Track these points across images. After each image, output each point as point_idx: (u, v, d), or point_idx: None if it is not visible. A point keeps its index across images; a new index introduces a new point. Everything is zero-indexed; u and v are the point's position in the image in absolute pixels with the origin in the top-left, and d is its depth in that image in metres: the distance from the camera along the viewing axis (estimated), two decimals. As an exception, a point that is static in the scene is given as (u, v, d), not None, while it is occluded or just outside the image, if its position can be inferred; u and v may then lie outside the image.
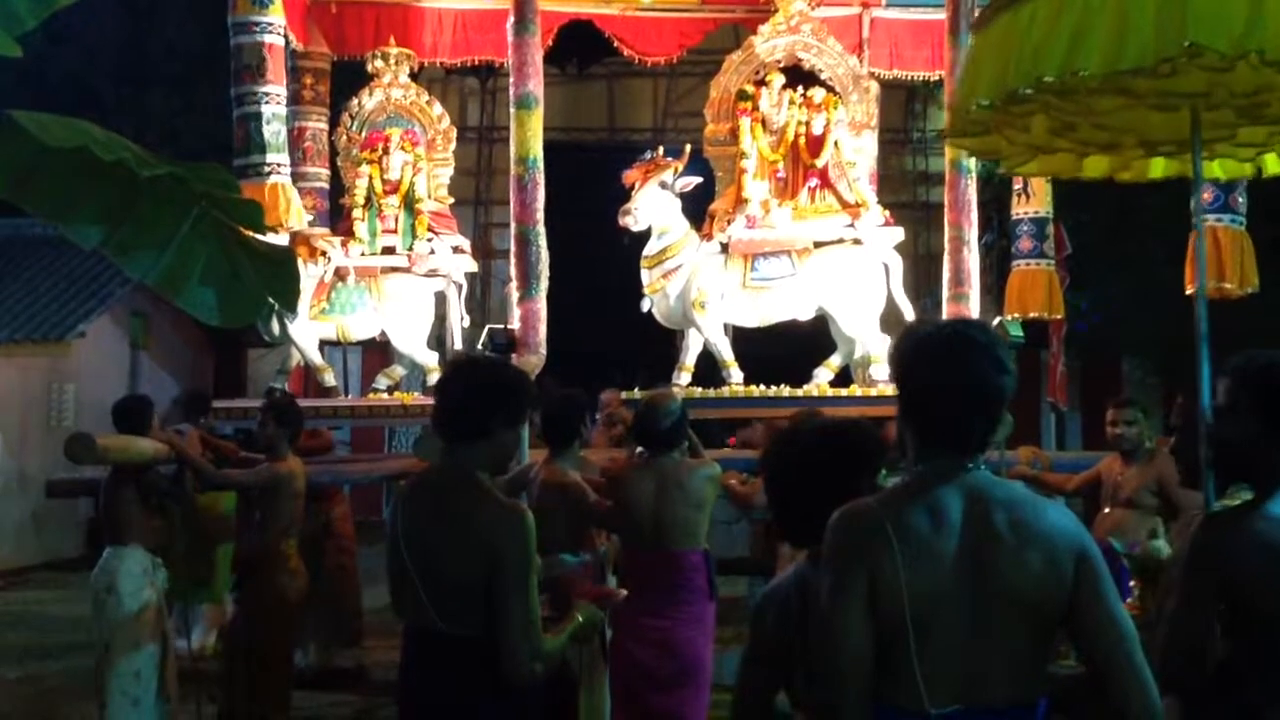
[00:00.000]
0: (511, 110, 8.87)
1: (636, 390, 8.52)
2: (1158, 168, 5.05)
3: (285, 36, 9.16)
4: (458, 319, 9.49)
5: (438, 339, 9.71)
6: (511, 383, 3.36)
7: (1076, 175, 5.11)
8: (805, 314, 8.89)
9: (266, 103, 8.61)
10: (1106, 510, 6.27)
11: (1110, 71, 3.66)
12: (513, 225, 8.77)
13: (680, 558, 5.36)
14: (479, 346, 7.53)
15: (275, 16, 8.72)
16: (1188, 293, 8.87)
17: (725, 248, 8.88)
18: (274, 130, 8.60)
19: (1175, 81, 4.35)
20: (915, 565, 2.20)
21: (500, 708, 3.13)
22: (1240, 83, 4.28)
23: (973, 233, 9.04)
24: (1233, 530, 2.75)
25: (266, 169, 8.48)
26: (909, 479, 2.36)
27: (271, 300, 3.83)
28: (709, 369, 8.91)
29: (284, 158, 8.72)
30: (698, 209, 9.10)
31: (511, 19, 8.85)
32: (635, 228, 8.62)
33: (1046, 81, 3.77)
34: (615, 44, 11.05)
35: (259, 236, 3.83)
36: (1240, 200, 8.88)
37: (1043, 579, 2.21)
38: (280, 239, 7.93)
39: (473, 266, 9.82)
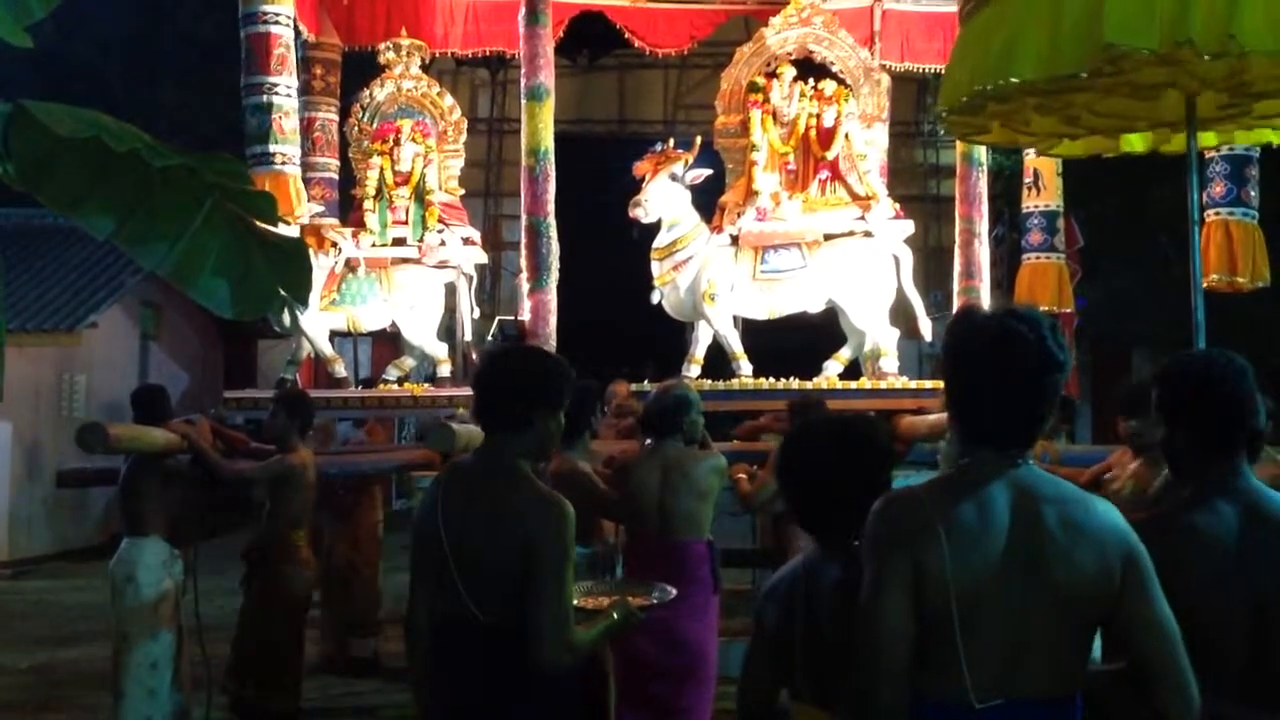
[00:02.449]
0: (522, 102, 8.89)
1: (645, 382, 8.52)
2: (1145, 141, 5.11)
3: (296, 27, 9.17)
4: (468, 310, 9.50)
5: (447, 330, 9.72)
6: (551, 370, 3.34)
7: (1089, 154, 5.16)
8: (815, 306, 8.88)
9: (276, 94, 8.62)
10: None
11: (1045, 77, 3.72)
12: (523, 217, 8.79)
13: (684, 548, 5.36)
14: (489, 338, 7.54)
15: (285, 7, 8.74)
16: (1204, 285, 8.87)
17: (735, 240, 8.88)
18: (283, 121, 8.61)
19: (1172, 72, 4.38)
20: (963, 558, 2.20)
21: (531, 697, 3.12)
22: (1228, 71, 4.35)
23: (984, 226, 9.04)
24: (1148, 531, 2.75)
25: (275, 159, 8.49)
26: (954, 471, 2.35)
27: (284, 292, 3.83)
28: (718, 361, 8.91)
29: (293, 149, 8.74)
30: (708, 201, 9.10)
31: (523, 10, 8.86)
32: (645, 219, 8.62)
33: (998, 86, 3.84)
34: (626, 36, 11.07)
35: (271, 228, 3.82)
36: (1253, 194, 8.88)
37: (1092, 577, 2.21)
38: (289, 230, 7.95)
39: (483, 258, 9.84)
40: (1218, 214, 8.89)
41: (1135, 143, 5.39)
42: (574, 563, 3.18)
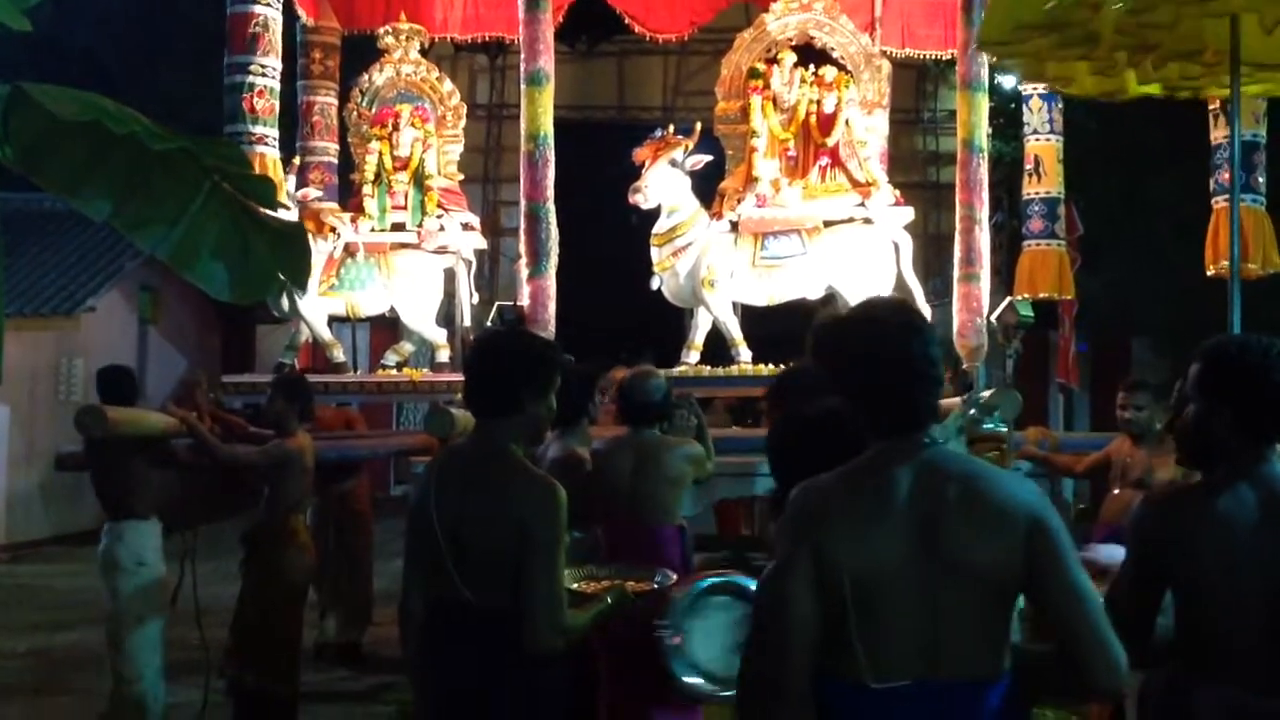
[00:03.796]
0: (522, 87, 8.85)
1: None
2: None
3: (290, 10, 9.14)
4: (467, 296, 9.49)
5: (446, 316, 9.71)
6: (540, 354, 3.34)
7: (1117, 92, 5.14)
8: (815, 293, 8.88)
9: (249, 73, 8.60)
10: (1116, 491, 6.25)
11: None
12: (522, 202, 8.77)
13: (654, 532, 5.38)
14: (489, 324, 7.53)
15: (270, -13, 8.73)
16: (1209, 274, 8.86)
17: (735, 226, 8.87)
18: (256, 101, 8.59)
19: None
20: (860, 544, 2.20)
21: (522, 680, 3.13)
22: None
23: (984, 212, 9.02)
24: (1168, 510, 2.77)
25: (245, 139, 8.47)
26: (862, 458, 2.35)
27: (282, 276, 3.82)
28: (718, 347, 8.91)
29: (268, 130, 8.71)
30: (707, 187, 9.08)
31: (522, -4, 8.82)
32: (645, 205, 8.61)
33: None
34: (626, 21, 11.03)
35: (270, 211, 3.81)
36: (1261, 180, 8.87)
37: (994, 551, 2.19)
38: (288, 214, 7.93)
39: (482, 243, 9.83)
40: (1226, 200, 8.87)
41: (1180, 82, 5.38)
42: (566, 546, 3.19)
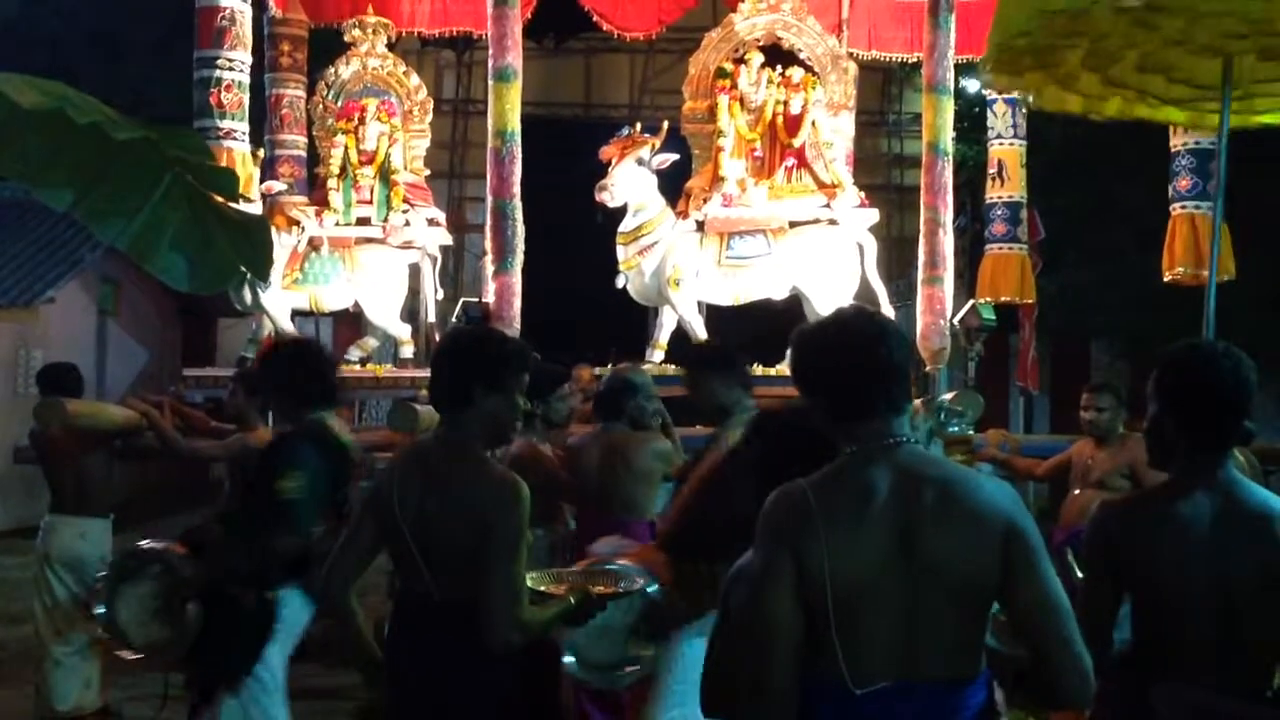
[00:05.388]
0: (490, 83, 8.83)
1: (609, 366, 8.51)
2: (1178, 115, 5.13)
3: (259, 2, 9.08)
4: (431, 291, 9.46)
5: (410, 311, 9.68)
6: (492, 349, 3.33)
7: (1100, 114, 5.17)
8: (780, 293, 8.91)
9: (216, 67, 8.57)
10: (1076, 492, 6.30)
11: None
12: (489, 199, 8.75)
13: (624, 527, 5.39)
14: (454, 320, 7.52)
15: (243, -18, 8.69)
16: (1166, 279, 8.95)
17: (701, 225, 8.89)
18: (224, 95, 8.54)
19: (1215, 23, 4.38)
20: (840, 547, 2.21)
21: (481, 673, 3.14)
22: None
23: (948, 216, 9.07)
24: (1125, 513, 2.82)
25: (219, 134, 8.43)
26: (838, 461, 2.37)
27: (244, 268, 3.81)
28: (682, 346, 8.91)
29: (236, 124, 8.67)
30: (674, 186, 9.09)
31: (492, -10, 8.80)
32: (611, 204, 8.61)
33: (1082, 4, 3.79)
34: (595, 19, 11.01)
35: (232, 204, 3.80)
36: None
37: (970, 556, 2.21)
38: (252, 207, 7.89)
39: (448, 239, 9.80)
40: (1184, 208, 8.98)
41: (1174, 115, 5.41)
42: (528, 542, 3.18)
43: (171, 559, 4.01)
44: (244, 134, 8.72)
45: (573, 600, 3.36)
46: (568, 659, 3.47)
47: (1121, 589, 2.75)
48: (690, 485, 3.63)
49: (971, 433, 6.35)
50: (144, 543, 4.06)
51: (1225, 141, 5.06)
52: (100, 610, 3.99)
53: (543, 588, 3.37)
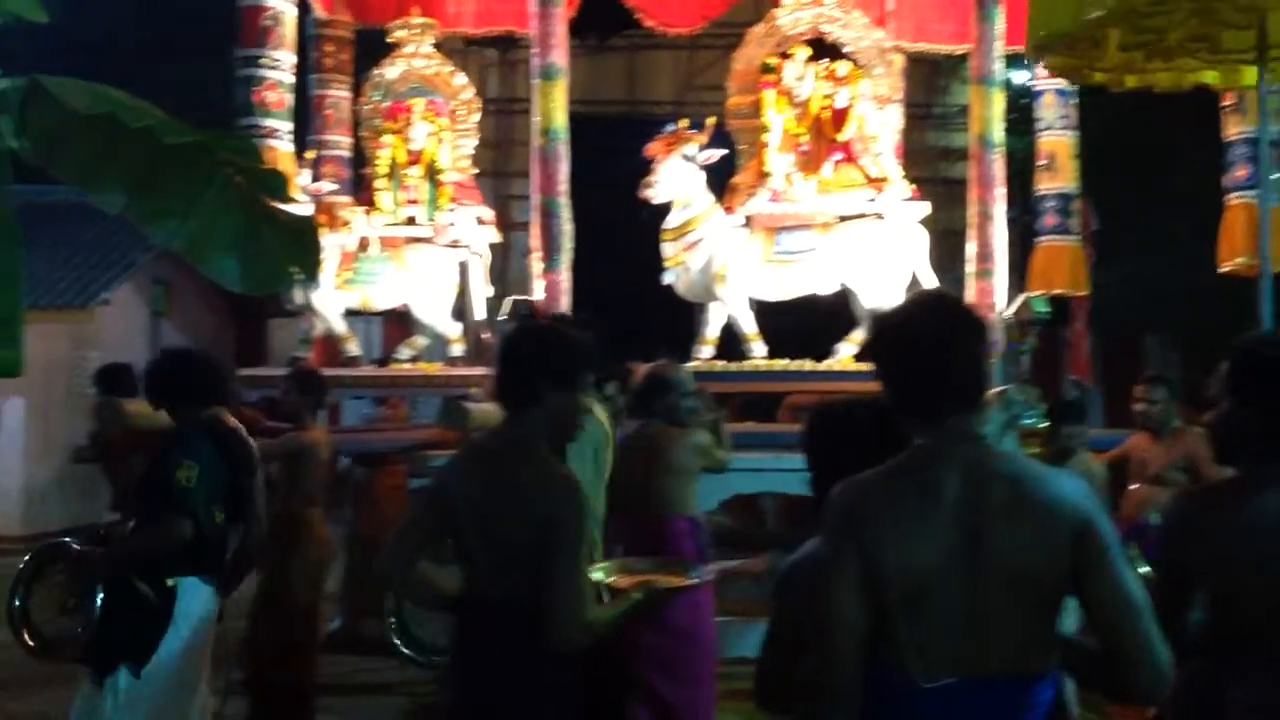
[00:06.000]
0: (535, 81, 8.84)
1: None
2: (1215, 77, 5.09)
3: (303, 4, 9.15)
4: (480, 290, 9.49)
5: (458, 310, 9.72)
6: (560, 346, 3.31)
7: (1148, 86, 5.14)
8: (828, 288, 8.86)
9: (259, 66, 8.63)
10: (1134, 487, 6.26)
11: None
12: (536, 197, 8.76)
13: (664, 524, 5.38)
14: (501, 318, 7.54)
15: (286, -17, 8.76)
16: (1220, 270, 8.83)
17: (748, 221, 8.86)
18: (266, 94, 8.61)
19: None
20: (907, 542, 2.20)
21: (543, 674, 3.13)
22: None
23: (999, 208, 8.99)
24: (1199, 507, 2.79)
25: (261, 133, 8.49)
26: (906, 455, 2.34)
27: (294, 268, 3.84)
28: (731, 343, 8.89)
29: (280, 123, 8.74)
30: (720, 182, 9.07)
31: (536, -11, 8.81)
32: (657, 200, 8.60)
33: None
34: (637, 16, 11.00)
35: (281, 204, 3.83)
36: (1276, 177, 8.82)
37: (1040, 552, 2.19)
38: (300, 208, 7.95)
39: (495, 237, 9.84)
40: (1240, 197, 8.83)
41: (1208, 75, 5.36)
42: (592, 543, 3.18)
43: (73, 552, 4.32)
44: (286, 133, 8.78)
45: (639, 596, 3.34)
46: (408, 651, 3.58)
47: (1194, 583, 2.72)
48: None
49: (1044, 424, 6.30)
50: (64, 540, 4.40)
51: (1266, 121, 4.98)
52: (16, 604, 4.27)
53: (610, 580, 3.36)
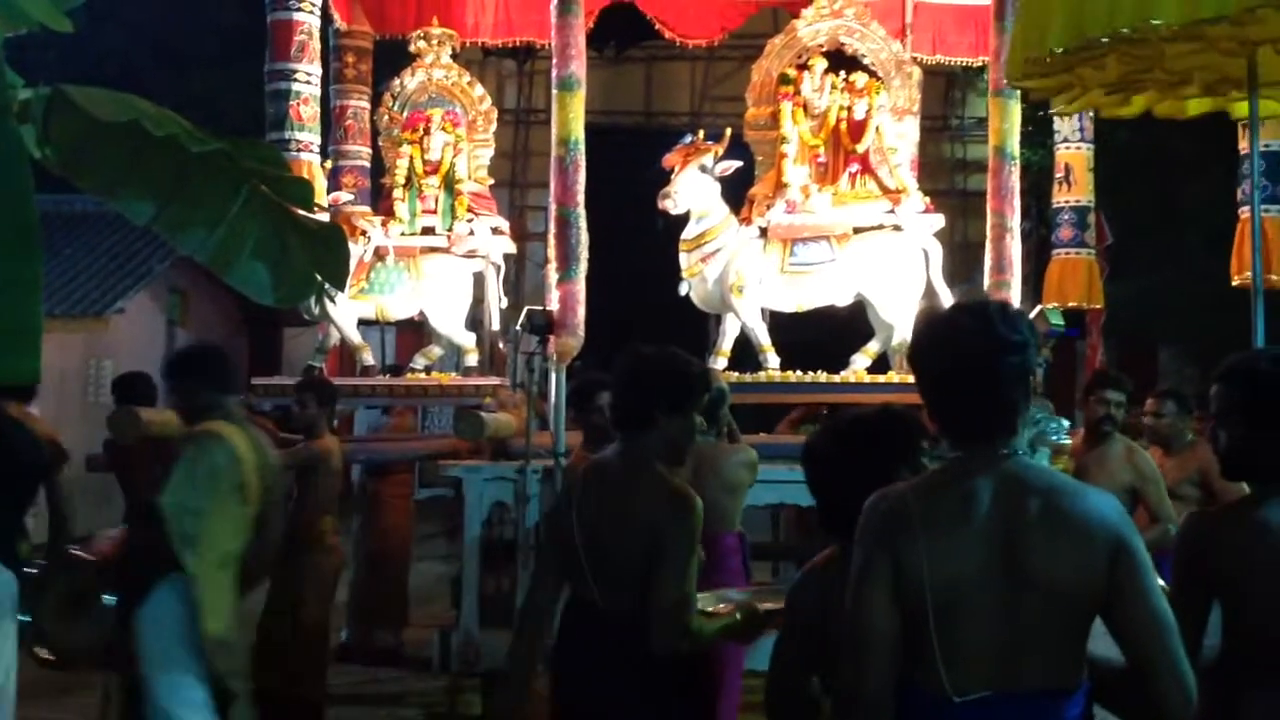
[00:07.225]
0: (553, 92, 8.84)
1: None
2: (1202, 106, 5.08)
3: (325, 14, 9.18)
4: (496, 300, 9.50)
5: (474, 320, 9.73)
6: (675, 371, 3.42)
7: (1123, 112, 5.12)
8: (843, 300, 8.85)
9: (295, 80, 8.67)
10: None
11: (1189, 21, 3.64)
12: (553, 207, 8.76)
13: (714, 540, 5.35)
14: (517, 328, 7.53)
15: (310, -7, 8.81)
16: (1233, 284, 8.81)
17: (764, 232, 8.85)
18: (301, 108, 8.65)
19: (1249, 29, 4.33)
20: (940, 554, 2.19)
21: (643, 683, 3.22)
22: None
23: (1015, 220, 8.98)
24: (1215, 522, 2.80)
25: (291, 146, 8.54)
26: (941, 468, 2.35)
27: (320, 277, 3.85)
28: (746, 354, 8.88)
29: (311, 136, 8.78)
30: (737, 194, 9.06)
31: (555, 0, 8.83)
32: (674, 211, 8.59)
33: (1121, 30, 3.75)
34: (656, 26, 11.02)
35: (307, 214, 3.83)
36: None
37: (1075, 568, 2.19)
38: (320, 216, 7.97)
39: (512, 248, 9.84)
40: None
41: (1197, 105, 5.35)
42: (699, 557, 3.27)
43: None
44: (316, 146, 8.84)
45: (739, 616, 3.43)
46: None
47: (1210, 599, 2.71)
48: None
49: (1067, 441, 6.27)
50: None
51: (1256, 138, 4.96)
52: (25, 619, 4.25)
53: (709, 609, 3.45)
